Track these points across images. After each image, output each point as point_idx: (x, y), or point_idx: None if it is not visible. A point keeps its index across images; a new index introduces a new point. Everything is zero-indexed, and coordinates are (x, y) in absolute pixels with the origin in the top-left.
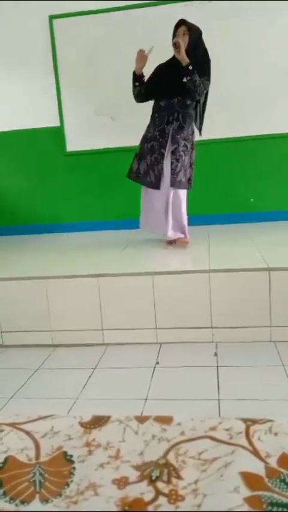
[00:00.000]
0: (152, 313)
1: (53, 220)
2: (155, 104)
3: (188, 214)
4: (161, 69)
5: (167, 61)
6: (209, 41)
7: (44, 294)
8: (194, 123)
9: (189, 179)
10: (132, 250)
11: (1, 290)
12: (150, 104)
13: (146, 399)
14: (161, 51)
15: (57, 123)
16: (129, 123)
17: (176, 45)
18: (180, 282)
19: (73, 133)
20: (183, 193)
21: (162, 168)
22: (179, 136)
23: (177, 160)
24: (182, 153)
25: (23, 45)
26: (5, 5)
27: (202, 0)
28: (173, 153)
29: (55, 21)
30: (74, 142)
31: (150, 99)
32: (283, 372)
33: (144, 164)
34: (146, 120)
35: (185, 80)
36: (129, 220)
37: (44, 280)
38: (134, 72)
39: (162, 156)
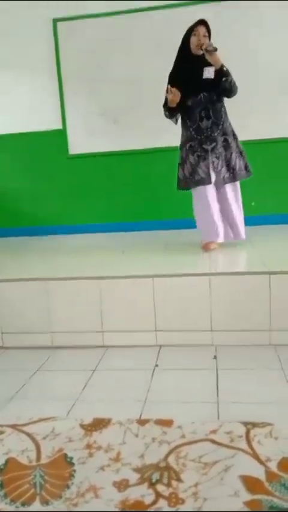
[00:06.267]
0: (151, 315)
1: (55, 223)
2: (180, 108)
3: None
4: (177, 77)
5: (175, 65)
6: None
7: (44, 295)
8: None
9: (234, 169)
10: (133, 252)
11: (1, 291)
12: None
13: (145, 401)
14: (163, 53)
15: (60, 126)
16: (131, 127)
17: (207, 50)
18: (180, 284)
19: (76, 136)
20: (229, 189)
21: (209, 164)
22: (215, 134)
23: (218, 158)
24: (221, 149)
25: (27, 48)
26: (9, 8)
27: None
28: (212, 151)
29: (59, 24)
30: (77, 145)
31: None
32: (282, 375)
33: (188, 167)
34: (149, 122)
35: (206, 76)
36: (130, 222)
37: (44, 282)
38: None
39: (206, 152)
